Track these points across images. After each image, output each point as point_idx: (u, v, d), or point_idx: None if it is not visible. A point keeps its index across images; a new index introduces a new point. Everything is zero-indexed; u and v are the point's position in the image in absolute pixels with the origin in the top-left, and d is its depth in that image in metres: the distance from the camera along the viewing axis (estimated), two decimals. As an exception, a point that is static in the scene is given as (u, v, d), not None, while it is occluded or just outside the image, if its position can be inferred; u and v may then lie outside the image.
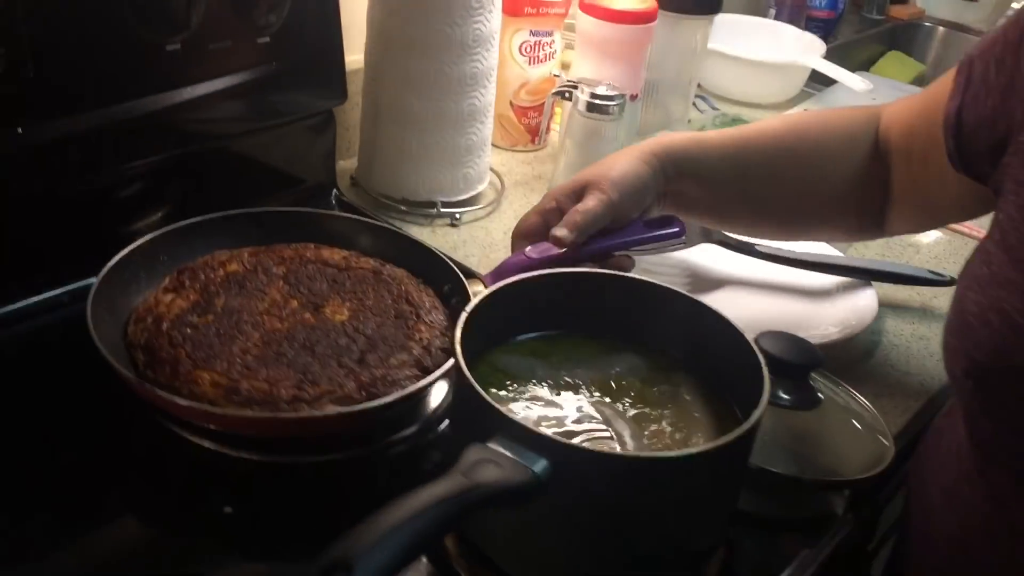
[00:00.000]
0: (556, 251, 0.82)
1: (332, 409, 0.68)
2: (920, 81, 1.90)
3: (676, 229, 0.85)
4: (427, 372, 0.74)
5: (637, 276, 0.70)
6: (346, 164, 1.11)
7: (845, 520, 0.73)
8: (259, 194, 0.95)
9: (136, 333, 0.74)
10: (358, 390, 0.70)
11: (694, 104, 1.34)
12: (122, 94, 0.80)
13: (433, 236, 1.02)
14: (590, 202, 0.80)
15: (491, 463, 0.53)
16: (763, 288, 0.99)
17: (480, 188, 1.08)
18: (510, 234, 1.04)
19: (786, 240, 0.99)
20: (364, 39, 1.01)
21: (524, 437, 0.54)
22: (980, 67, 0.69)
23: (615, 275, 0.71)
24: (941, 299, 1.02)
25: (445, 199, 1.05)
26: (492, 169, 1.12)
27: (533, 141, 1.23)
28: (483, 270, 0.95)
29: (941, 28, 2.02)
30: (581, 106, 1.09)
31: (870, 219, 0.88)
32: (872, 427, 0.77)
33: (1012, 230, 0.62)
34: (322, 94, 0.97)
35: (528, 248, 0.82)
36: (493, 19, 0.98)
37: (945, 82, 0.74)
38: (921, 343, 0.95)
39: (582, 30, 1.15)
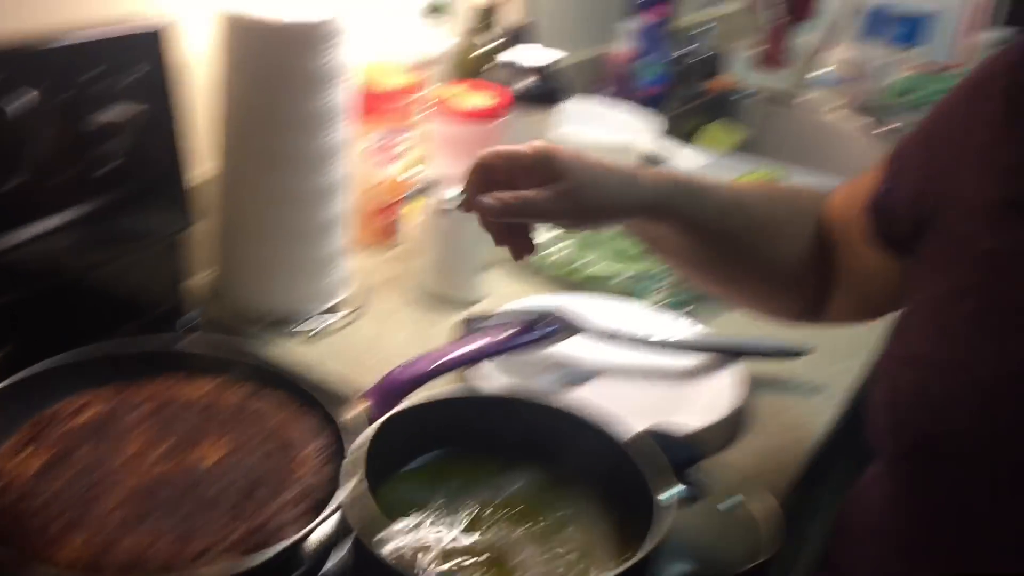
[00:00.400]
0: (436, 364, 0.81)
1: (219, 566, 0.64)
2: (743, 148, 2.01)
3: (552, 331, 0.86)
4: (315, 510, 0.70)
5: (523, 396, 0.70)
6: (201, 280, 1.07)
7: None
8: (110, 328, 0.90)
9: (-12, 500, 0.68)
10: (243, 538, 0.66)
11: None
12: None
13: (299, 351, 0.99)
14: (544, 195, 0.74)
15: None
16: (635, 374, 1.01)
17: (342, 296, 1.06)
18: (378, 341, 1.02)
19: (736, 306, 1.01)
20: (219, 149, 0.98)
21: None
22: (908, 152, 0.74)
23: (502, 397, 0.71)
24: (800, 369, 1.06)
25: (308, 310, 1.02)
26: (353, 274, 1.10)
27: (387, 241, 1.21)
28: (356, 381, 0.93)
29: (757, 95, 2.14)
30: (439, 205, 1.09)
31: (808, 301, 0.88)
32: (756, 512, 0.79)
33: (940, 310, 0.65)
34: (168, 220, 0.93)
35: (410, 362, 0.81)
36: (344, 130, 0.97)
37: (875, 170, 0.79)
38: (786, 415, 0.99)
39: (434, 129, 1.16)
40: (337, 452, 0.76)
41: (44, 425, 0.74)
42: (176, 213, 0.93)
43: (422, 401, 0.68)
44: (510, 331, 0.87)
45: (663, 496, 0.61)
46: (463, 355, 0.83)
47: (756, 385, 1.01)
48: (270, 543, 0.66)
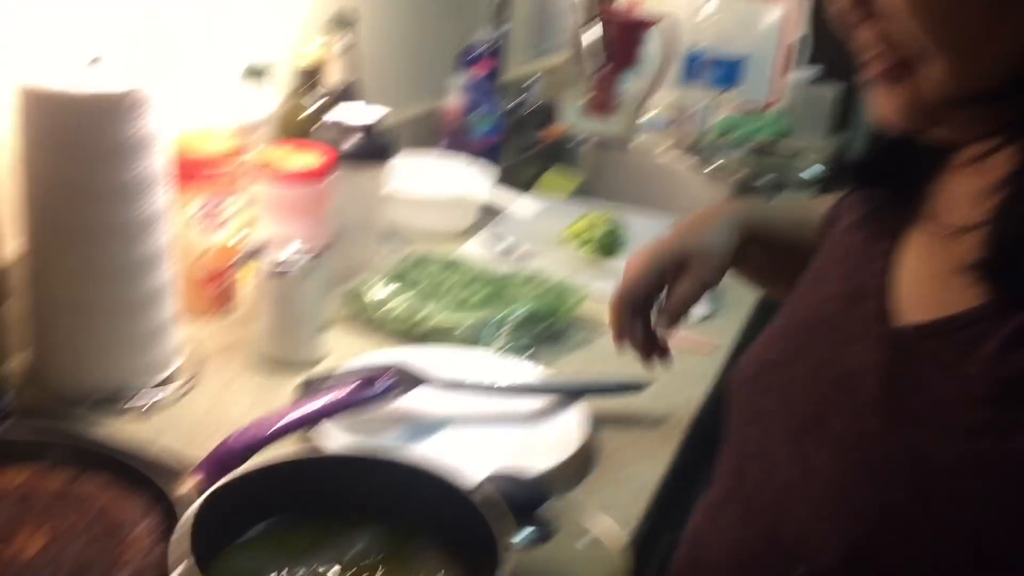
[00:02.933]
0: (272, 429, 0.79)
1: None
2: (582, 190, 2.06)
3: (390, 386, 0.85)
4: (145, 595, 0.67)
5: (357, 453, 0.69)
6: (13, 365, 1.00)
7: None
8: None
9: None
10: (67, 638, 0.62)
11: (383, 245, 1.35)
12: None
13: (129, 428, 0.94)
14: (688, 286, 0.88)
15: None
16: (481, 421, 1.01)
17: (172, 369, 1.02)
18: (216, 410, 0.99)
19: None
20: (24, 225, 0.93)
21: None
22: None
23: (335, 456, 0.69)
24: (643, 403, 1.08)
25: (136, 386, 0.97)
26: (185, 344, 1.06)
27: (221, 307, 1.18)
28: (190, 454, 0.89)
29: (590, 140, 2.21)
30: (270, 269, 1.07)
31: None
32: (608, 546, 0.79)
33: None
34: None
35: (244, 429, 0.78)
36: (161, 199, 0.94)
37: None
38: (632, 448, 1.00)
39: (261, 192, 1.14)
40: (168, 530, 0.73)
41: None
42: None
43: (250, 469, 0.65)
44: (349, 389, 0.85)
45: (508, 539, 0.60)
46: (300, 417, 0.81)
47: (601, 422, 1.02)
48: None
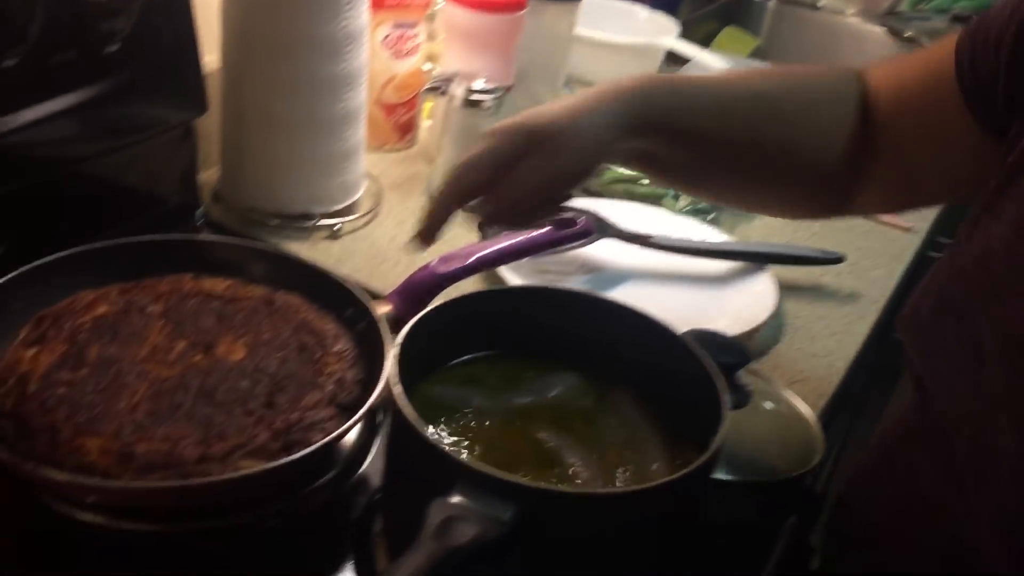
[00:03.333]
0: (463, 263, 0.76)
1: (249, 467, 0.60)
2: (757, 54, 1.94)
3: (584, 230, 0.82)
4: (344, 410, 0.67)
5: (573, 288, 0.66)
6: (205, 177, 1.01)
7: (785, 519, 0.71)
8: (116, 222, 0.85)
9: (-1, 399, 0.64)
10: (272, 439, 0.62)
11: (564, 90, 1.30)
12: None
13: (313, 251, 0.94)
14: (527, 172, 0.66)
15: (460, 520, 0.47)
16: (663, 279, 0.97)
17: (357, 195, 1.01)
18: (395, 242, 0.98)
19: (744, 210, 0.94)
20: (220, 38, 0.92)
21: (489, 485, 0.49)
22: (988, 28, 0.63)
23: (551, 290, 0.66)
24: (829, 277, 1.03)
25: (322, 210, 0.97)
26: (368, 174, 1.05)
27: (402, 139, 1.16)
28: (373, 284, 0.89)
29: (772, 2, 2.07)
30: (458, 102, 1.03)
31: (838, 193, 0.77)
32: (799, 419, 0.76)
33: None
34: (180, 105, 0.87)
35: (435, 262, 0.76)
36: (362, 14, 0.91)
37: (948, 41, 0.68)
38: (821, 323, 0.95)
39: (450, 21, 1.09)
40: (362, 354, 0.73)
41: (50, 323, 0.70)
42: (188, 99, 0.87)
43: (458, 297, 0.63)
44: (538, 231, 0.82)
45: (727, 397, 0.57)
46: (490, 254, 0.79)
47: (789, 292, 0.97)
48: (299, 445, 0.62)
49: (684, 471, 0.51)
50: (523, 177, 0.67)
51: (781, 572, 0.65)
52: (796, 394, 0.78)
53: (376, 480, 0.67)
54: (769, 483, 0.69)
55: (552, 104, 0.69)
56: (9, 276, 0.71)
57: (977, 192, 0.61)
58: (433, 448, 0.51)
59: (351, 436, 0.71)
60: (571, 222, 0.82)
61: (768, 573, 0.64)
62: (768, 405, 0.76)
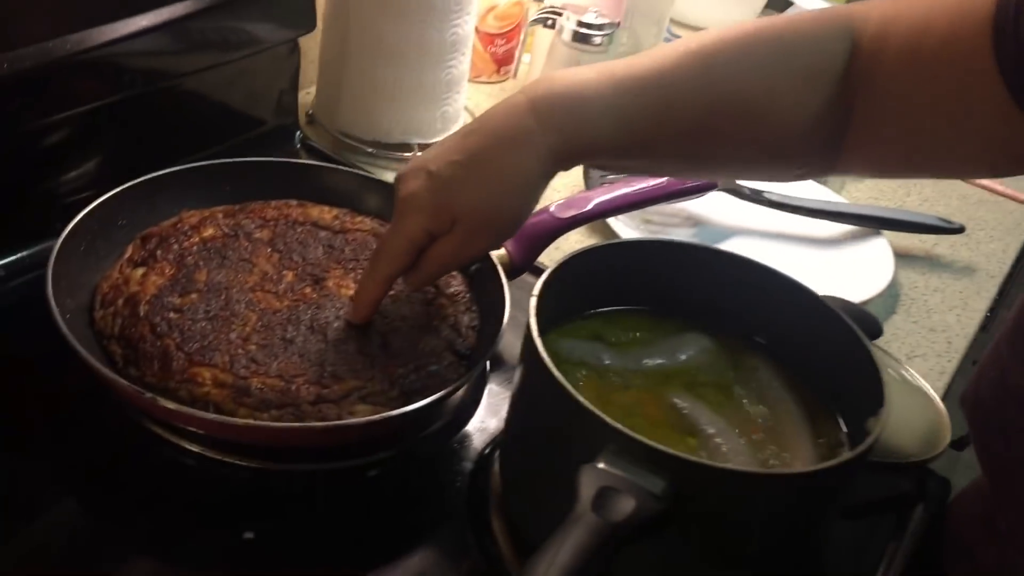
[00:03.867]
0: (582, 211, 0.73)
1: (365, 412, 0.57)
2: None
3: (707, 182, 0.77)
4: (460, 357, 0.64)
5: (713, 246, 0.61)
6: (304, 99, 0.97)
7: (915, 499, 0.67)
8: (212, 141, 0.82)
9: (106, 319, 0.62)
10: (390, 385, 0.60)
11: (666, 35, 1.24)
12: (51, 29, 0.65)
13: (410, 184, 0.91)
14: (447, 257, 0.59)
15: (616, 493, 0.44)
16: (771, 238, 0.93)
17: (456, 127, 0.96)
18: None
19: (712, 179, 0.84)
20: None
21: (643, 455, 0.46)
22: None
23: (686, 244, 0.62)
24: (943, 247, 0.98)
25: (421, 141, 0.93)
26: (468, 106, 1.00)
27: (499, 72, 1.11)
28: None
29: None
30: (566, 35, 0.99)
31: (821, 157, 0.62)
32: (924, 398, 0.72)
33: None
34: (286, 20, 0.83)
35: (553, 207, 0.72)
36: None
37: None
38: (937, 296, 0.90)
39: (562, -50, 1.04)
40: (476, 298, 0.69)
41: (157, 242, 0.67)
42: (296, 15, 0.83)
43: (594, 247, 0.59)
44: (656, 180, 0.78)
45: (881, 371, 0.53)
46: (609, 201, 0.75)
47: (899, 261, 0.92)
48: (417, 394, 0.59)
49: (848, 455, 0.48)
50: (443, 259, 0.60)
51: (910, 561, 0.62)
52: (915, 371, 0.74)
53: (483, 435, 0.64)
54: (899, 466, 0.66)
55: (464, 158, 0.57)
56: (113, 192, 0.68)
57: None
58: (582, 410, 0.47)
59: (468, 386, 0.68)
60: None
61: (898, 560, 0.61)
62: (896, 383, 0.72)
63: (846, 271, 0.88)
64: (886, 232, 0.94)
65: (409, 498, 0.60)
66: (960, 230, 0.94)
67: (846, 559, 0.62)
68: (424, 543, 0.57)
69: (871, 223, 0.93)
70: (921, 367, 0.80)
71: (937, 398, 0.72)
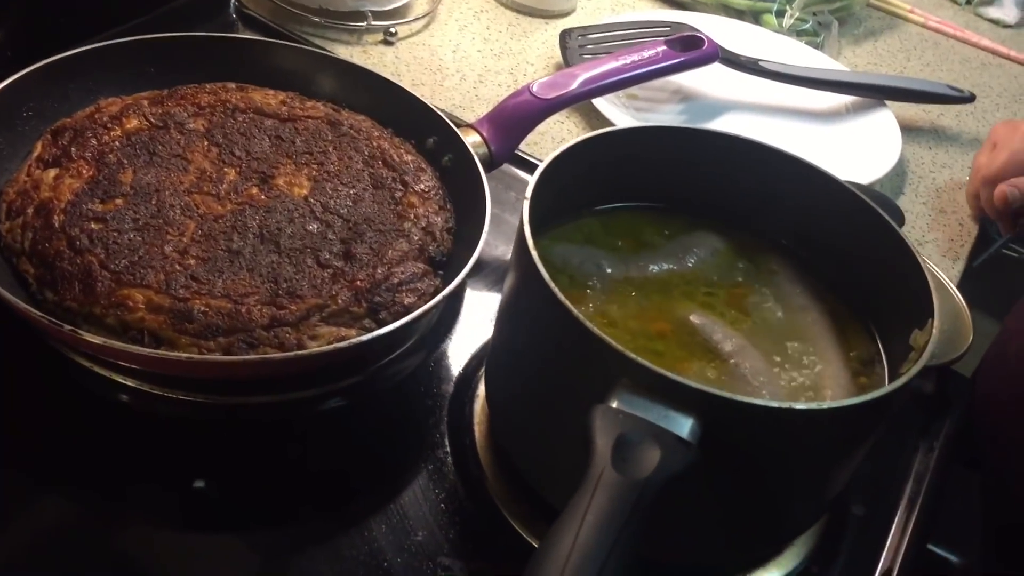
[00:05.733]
0: (567, 90, 0.63)
1: (329, 336, 0.49)
2: None
3: (709, 52, 0.68)
4: (435, 264, 0.55)
5: (728, 132, 0.53)
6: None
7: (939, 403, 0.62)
8: (134, 12, 0.71)
9: (14, 233, 0.52)
10: (355, 300, 0.51)
11: None
12: None
13: (365, 58, 0.80)
14: None
15: (638, 440, 0.37)
16: (768, 112, 0.84)
17: (414, -7, 0.85)
18: (458, 52, 0.84)
19: None
20: None
21: (665, 390, 0.39)
22: None
23: (707, 132, 0.53)
24: (949, 117, 0.90)
25: (375, 8, 0.82)
26: (424, -33, 0.89)
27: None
28: (438, 101, 0.76)
29: None
30: None
31: None
32: (944, 290, 0.65)
33: None
34: None
35: (534, 86, 0.63)
36: None
37: None
38: (945, 172, 0.83)
39: None
40: (451, 195, 0.60)
41: (71, 137, 0.57)
42: None
43: (593, 135, 0.50)
44: (650, 52, 0.68)
45: (927, 273, 0.46)
46: (598, 77, 0.65)
47: (904, 135, 0.84)
48: (387, 310, 0.51)
49: (899, 382, 0.41)
50: None
51: (936, 473, 0.56)
52: (925, 256, 0.67)
53: (464, 351, 0.57)
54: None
55: None
56: (15, 76, 0.57)
57: None
58: (590, 337, 0.39)
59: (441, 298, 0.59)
60: (696, 41, 0.68)
61: (925, 473, 0.56)
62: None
63: (850, 148, 0.80)
64: (890, 103, 0.86)
65: (383, 430, 0.53)
66: (971, 99, 0.86)
67: (868, 475, 0.56)
68: (403, 484, 0.49)
69: (876, 93, 0.85)
70: (932, 253, 0.73)
71: (956, 291, 0.66)
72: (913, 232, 0.75)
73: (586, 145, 0.49)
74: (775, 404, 0.39)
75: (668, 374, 0.38)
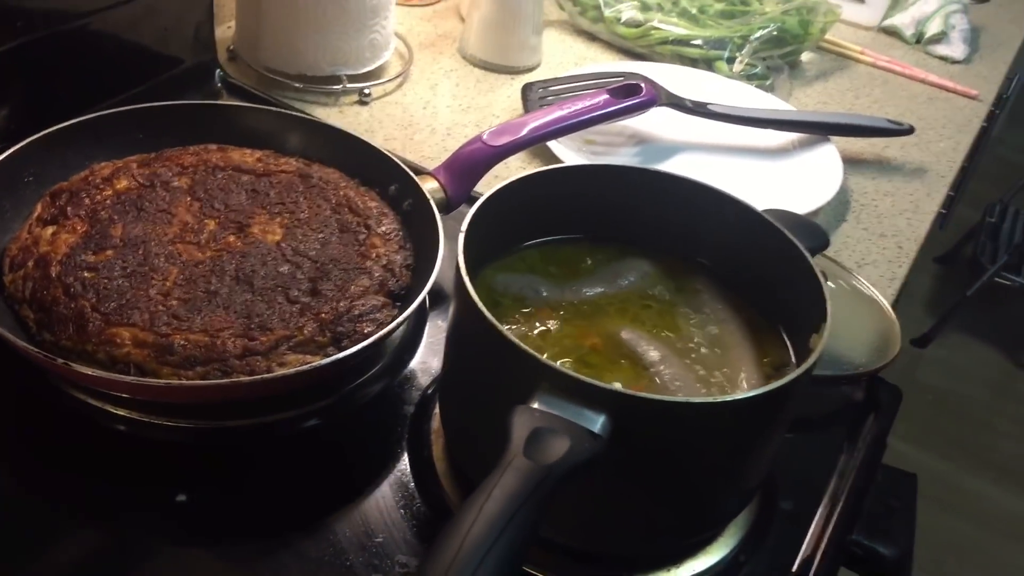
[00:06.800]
0: (516, 137, 0.70)
1: (297, 362, 0.55)
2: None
3: (648, 98, 0.74)
4: (394, 298, 0.61)
5: (650, 167, 0.59)
6: (219, 33, 0.92)
7: (867, 409, 0.66)
8: (126, 86, 0.78)
9: (16, 283, 0.58)
10: (320, 331, 0.57)
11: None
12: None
13: (342, 118, 0.87)
14: None
15: (549, 433, 0.42)
16: (718, 151, 0.90)
17: (387, 56, 0.92)
18: (428, 109, 0.91)
19: None
20: None
21: (577, 391, 0.44)
22: None
23: (625, 168, 0.60)
24: (894, 149, 0.96)
25: (350, 72, 0.89)
26: (394, 33, 0.96)
27: (430, -6, 1.07)
28: (408, 154, 0.82)
29: None
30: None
31: None
32: (873, 306, 0.71)
33: None
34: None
35: (486, 135, 0.69)
36: None
37: None
38: (887, 200, 0.89)
39: None
40: (409, 235, 0.67)
41: (67, 198, 0.63)
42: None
43: (528, 175, 0.56)
44: (593, 100, 0.75)
45: (825, 289, 0.51)
46: (545, 125, 0.72)
47: (849, 167, 0.90)
48: (349, 338, 0.57)
49: (791, 376, 0.46)
50: None
51: (861, 471, 0.61)
52: (864, 278, 0.72)
53: (425, 375, 0.62)
54: (850, 377, 0.65)
55: None
56: (18, 146, 0.64)
57: None
58: (512, 348, 0.45)
59: (403, 328, 0.65)
60: (635, 88, 0.75)
61: (849, 471, 0.60)
62: (839, 291, 0.71)
63: (794, 181, 0.86)
64: (835, 138, 0.92)
65: (350, 447, 0.59)
66: (910, 131, 0.92)
67: (797, 473, 0.61)
68: (367, 493, 0.55)
69: (819, 129, 0.91)
70: (872, 274, 0.79)
71: (888, 306, 0.71)
72: (853, 255, 0.81)
73: (515, 186, 0.55)
74: (675, 399, 0.44)
75: (581, 377, 0.44)
